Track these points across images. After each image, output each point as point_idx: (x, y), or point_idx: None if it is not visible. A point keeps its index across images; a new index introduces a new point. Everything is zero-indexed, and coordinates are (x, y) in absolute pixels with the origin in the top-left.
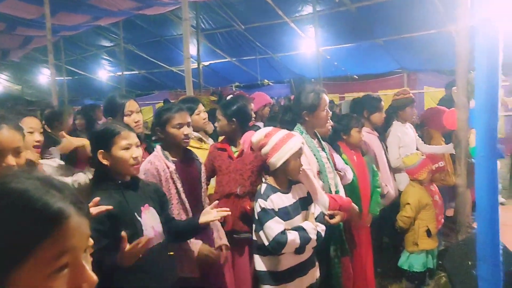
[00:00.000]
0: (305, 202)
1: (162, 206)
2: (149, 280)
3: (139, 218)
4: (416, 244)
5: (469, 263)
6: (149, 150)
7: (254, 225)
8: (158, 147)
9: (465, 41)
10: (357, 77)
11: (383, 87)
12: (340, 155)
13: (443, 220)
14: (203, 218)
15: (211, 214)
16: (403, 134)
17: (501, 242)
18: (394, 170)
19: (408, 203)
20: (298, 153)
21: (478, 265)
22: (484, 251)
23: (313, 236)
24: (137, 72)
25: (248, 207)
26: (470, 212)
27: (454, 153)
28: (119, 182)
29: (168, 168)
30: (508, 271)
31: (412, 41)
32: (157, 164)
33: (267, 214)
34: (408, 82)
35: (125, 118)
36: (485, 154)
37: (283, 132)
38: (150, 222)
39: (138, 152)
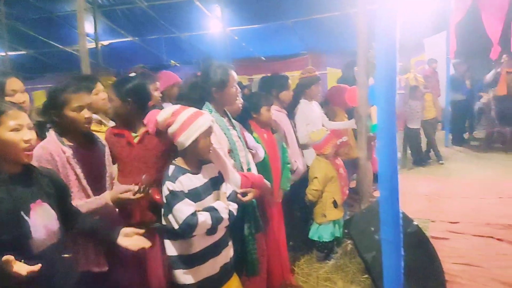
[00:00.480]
0: (217, 182)
1: (62, 199)
2: None
3: (26, 218)
4: (324, 216)
5: (372, 229)
6: (42, 137)
7: (163, 210)
8: (51, 132)
9: (364, 22)
10: (264, 58)
11: (288, 68)
12: (251, 134)
13: (347, 191)
14: (123, 241)
15: (131, 241)
16: (310, 111)
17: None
18: (302, 146)
19: (316, 177)
20: (208, 132)
21: (382, 228)
22: (387, 216)
23: (225, 215)
24: (24, 52)
25: (157, 197)
26: (371, 182)
27: (356, 128)
28: (5, 175)
29: (64, 153)
30: (406, 232)
31: (318, 23)
32: (50, 149)
33: (175, 196)
34: (312, 64)
35: (7, 99)
36: (385, 126)
37: (191, 110)
38: (42, 220)
39: (30, 134)
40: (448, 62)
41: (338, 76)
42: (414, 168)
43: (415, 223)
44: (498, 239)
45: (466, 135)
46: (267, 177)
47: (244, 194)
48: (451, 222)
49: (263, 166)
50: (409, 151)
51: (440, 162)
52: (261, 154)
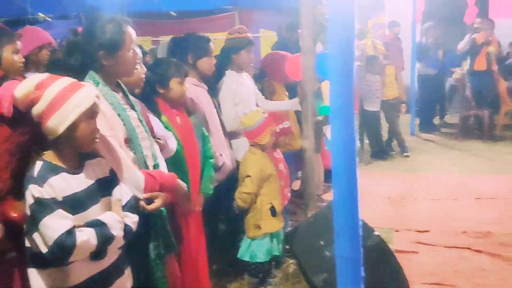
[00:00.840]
0: (107, 185)
1: None
2: None
3: None
4: (258, 227)
5: (322, 243)
6: None
7: (25, 226)
8: None
9: None
10: (175, 14)
11: (209, 28)
12: (159, 117)
13: (289, 194)
14: None
15: None
16: (240, 86)
17: None
18: (230, 134)
19: (248, 176)
20: (92, 112)
21: (336, 242)
22: (342, 225)
23: (119, 232)
24: None
25: (13, 214)
26: (321, 182)
27: (300, 109)
28: None
29: None
30: (366, 246)
31: None
32: None
33: (44, 206)
34: (240, 23)
35: None
36: (340, 107)
37: (66, 80)
38: None
39: None
40: (414, 25)
41: (274, 41)
42: (373, 162)
43: (376, 233)
44: (476, 251)
45: (436, 120)
46: (182, 177)
47: (149, 201)
48: (420, 231)
49: (176, 162)
50: (367, 141)
51: (405, 154)
52: (173, 145)
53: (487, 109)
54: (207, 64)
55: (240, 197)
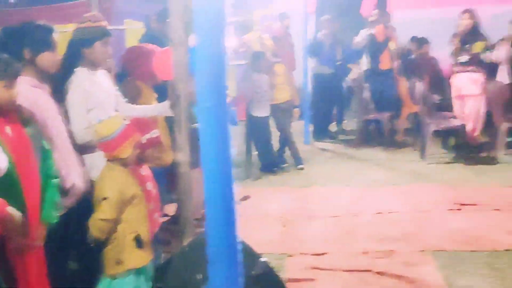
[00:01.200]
0: None
1: None
2: None
3: None
4: (120, 262)
5: (199, 277)
6: None
7: None
8: None
9: None
10: (13, 1)
11: (60, 18)
12: None
13: (160, 219)
14: None
15: None
16: (93, 86)
17: (240, 238)
18: (82, 148)
19: (106, 198)
20: None
21: (210, 271)
22: (217, 252)
23: None
24: None
25: None
26: (200, 202)
27: (172, 115)
28: None
29: None
30: (251, 276)
31: None
32: None
33: None
34: (100, 12)
35: None
36: (211, 105)
37: None
38: None
39: None
40: (306, 18)
41: (142, 33)
42: (263, 177)
43: (263, 259)
44: (378, 273)
45: (333, 127)
46: (15, 203)
47: None
48: (316, 254)
49: (6, 184)
50: (255, 152)
51: (299, 166)
52: (2, 162)
53: (387, 112)
54: (48, 60)
55: (96, 225)
